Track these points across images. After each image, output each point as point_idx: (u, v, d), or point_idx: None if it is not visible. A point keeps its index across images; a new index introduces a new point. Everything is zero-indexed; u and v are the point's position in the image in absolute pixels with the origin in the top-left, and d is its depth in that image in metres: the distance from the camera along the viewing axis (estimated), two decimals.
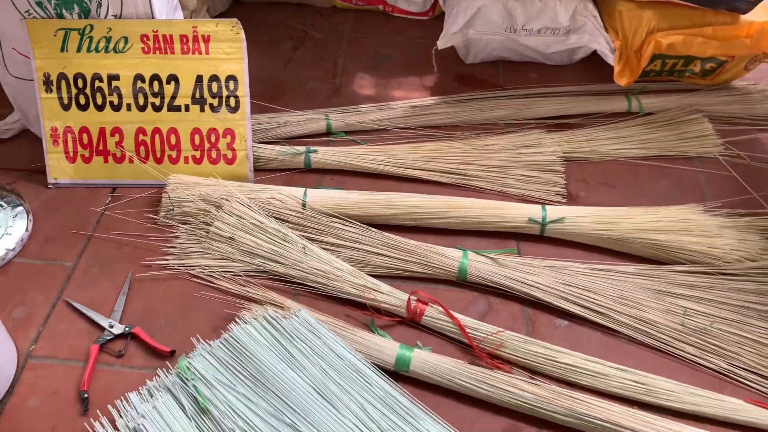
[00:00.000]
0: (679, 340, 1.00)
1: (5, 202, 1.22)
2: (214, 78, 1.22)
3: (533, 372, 0.97)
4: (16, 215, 1.20)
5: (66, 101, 1.22)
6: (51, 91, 1.22)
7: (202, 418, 0.89)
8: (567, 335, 1.03)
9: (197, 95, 1.23)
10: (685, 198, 1.24)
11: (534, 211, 1.15)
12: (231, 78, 1.22)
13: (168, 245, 1.15)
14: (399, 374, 0.96)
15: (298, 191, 1.19)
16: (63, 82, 1.21)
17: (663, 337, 1.00)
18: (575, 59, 1.54)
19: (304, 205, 1.17)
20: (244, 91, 1.22)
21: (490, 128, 1.38)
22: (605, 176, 1.29)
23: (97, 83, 1.21)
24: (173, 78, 1.22)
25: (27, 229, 1.17)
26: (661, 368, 0.98)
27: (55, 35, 1.19)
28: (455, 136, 1.36)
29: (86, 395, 0.95)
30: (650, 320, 1.02)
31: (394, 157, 1.29)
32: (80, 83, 1.21)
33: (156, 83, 1.22)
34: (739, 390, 0.96)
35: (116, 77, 1.22)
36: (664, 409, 0.92)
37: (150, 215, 1.21)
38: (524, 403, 0.91)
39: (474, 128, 1.38)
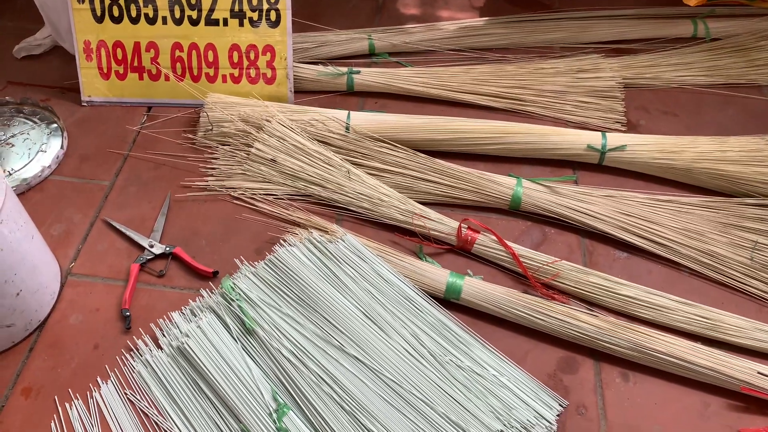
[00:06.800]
0: (748, 275, 0.94)
1: (39, 119, 1.19)
2: None
3: (591, 304, 0.93)
4: (50, 132, 1.16)
5: (99, 13, 1.16)
6: (83, 1, 1.15)
7: (247, 339, 0.87)
8: (626, 267, 0.97)
9: (236, 8, 1.16)
10: (753, 128, 1.15)
11: (593, 138, 1.08)
12: None
13: (207, 166, 1.11)
14: (449, 302, 0.93)
15: (341, 114, 1.13)
16: None
17: (729, 271, 0.95)
18: None
19: (347, 128, 1.12)
20: (285, 3, 1.15)
21: (545, 52, 1.29)
22: (667, 104, 1.21)
23: None
24: None
25: (62, 147, 1.14)
26: (728, 303, 0.93)
27: None
28: (507, 59, 1.27)
29: (128, 313, 0.93)
30: (716, 254, 0.96)
31: (441, 80, 1.22)
32: None
33: None
34: None
35: None
36: (731, 345, 0.88)
37: (188, 135, 1.16)
38: (582, 334, 0.87)
39: (527, 51, 1.30)
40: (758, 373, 0.82)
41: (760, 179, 1.03)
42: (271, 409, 0.80)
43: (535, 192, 1.03)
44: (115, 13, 1.17)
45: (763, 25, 1.30)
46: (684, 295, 0.92)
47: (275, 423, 0.79)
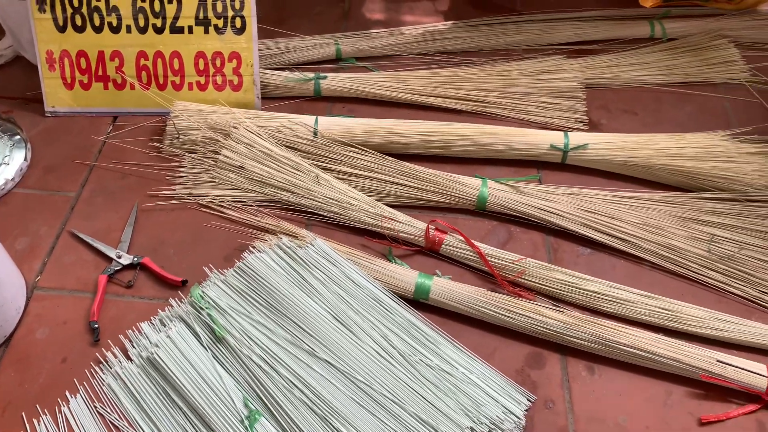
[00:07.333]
0: (706, 267, 0.98)
1: (1, 131, 1.17)
2: None
3: (556, 300, 0.95)
4: (13, 144, 1.15)
5: (61, 22, 1.15)
6: (44, 11, 1.14)
7: (218, 347, 0.87)
8: (590, 263, 1.00)
9: (201, 15, 1.16)
10: (709, 125, 1.19)
11: (556, 137, 1.11)
12: None
13: (175, 175, 1.11)
14: (418, 302, 0.94)
15: (308, 119, 1.14)
16: (57, 1, 1.14)
17: (689, 264, 0.98)
18: None
19: (315, 133, 1.12)
20: (250, 10, 1.15)
21: (508, 54, 1.32)
22: (627, 103, 1.24)
23: (93, 2, 1.14)
24: None
25: (26, 159, 1.12)
26: (687, 295, 0.96)
27: None
28: (472, 62, 1.29)
29: (96, 325, 0.92)
30: (676, 247, 0.99)
31: (408, 84, 1.23)
32: (75, 2, 1.14)
33: (157, 2, 1.15)
34: (766, 316, 0.94)
35: None
36: (691, 335, 0.90)
37: (154, 144, 1.16)
38: (548, 329, 0.89)
39: (491, 54, 1.32)
40: (717, 361, 0.85)
41: (716, 174, 1.06)
42: (242, 416, 0.80)
43: (500, 192, 1.05)
44: (78, 22, 1.16)
45: (717, 24, 1.34)
46: (646, 289, 0.94)
47: (247, 430, 0.79)
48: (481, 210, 1.06)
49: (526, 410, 0.82)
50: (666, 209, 1.04)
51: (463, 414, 0.80)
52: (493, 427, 0.79)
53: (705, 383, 0.85)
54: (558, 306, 0.93)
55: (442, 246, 1.00)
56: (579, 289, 0.94)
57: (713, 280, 0.97)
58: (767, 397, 0.83)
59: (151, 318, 0.92)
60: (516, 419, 0.81)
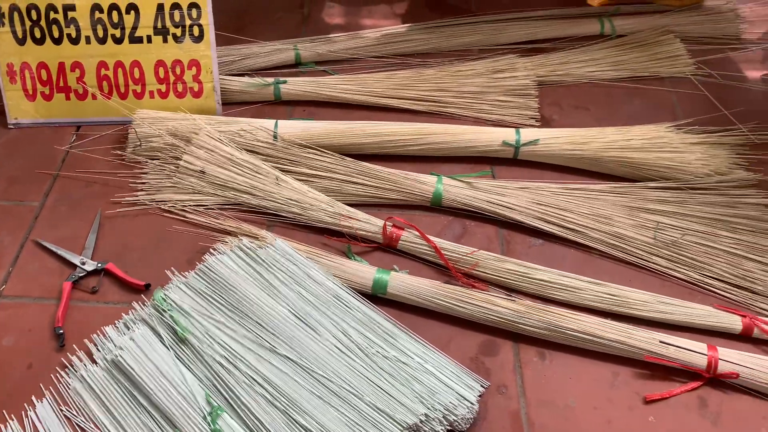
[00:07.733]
0: (651, 253, 1.02)
1: None
2: (175, 6, 1.17)
3: (509, 289, 0.98)
4: None
5: (20, 35, 1.17)
6: (3, 24, 1.16)
7: (180, 348, 0.89)
8: (542, 254, 1.04)
9: (159, 25, 1.18)
10: (657, 118, 1.23)
11: (508, 134, 1.15)
12: (193, 5, 1.17)
13: (137, 181, 1.13)
14: (377, 297, 0.97)
15: (269, 123, 1.17)
16: (15, 14, 1.16)
17: (635, 251, 1.02)
18: None
19: (275, 137, 1.15)
20: (207, 19, 1.18)
21: (463, 54, 1.36)
22: (578, 99, 1.29)
23: (52, 14, 1.16)
24: (133, 7, 1.17)
25: None
26: (634, 281, 1.00)
27: None
28: (428, 63, 1.33)
29: (61, 331, 0.94)
30: (623, 235, 1.03)
31: (366, 86, 1.27)
32: (34, 15, 1.16)
33: (115, 13, 1.17)
34: (708, 298, 0.98)
35: (72, 8, 1.16)
36: (637, 318, 0.94)
37: (117, 152, 1.17)
38: (500, 318, 0.92)
39: (446, 55, 1.36)
40: (660, 341, 0.89)
41: (661, 164, 1.11)
42: (205, 412, 0.82)
43: (454, 188, 1.08)
44: (37, 34, 1.17)
45: (663, 21, 1.40)
46: (594, 276, 0.98)
47: (210, 425, 0.81)
48: (436, 206, 1.09)
49: (480, 396, 0.85)
50: (614, 199, 1.08)
51: (418, 402, 0.83)
52: (447, 413, 0.82)
53: (650, 364, 0.89)
54: (510, 295, 0.96)
55: (400, 242, 1.03)
56: (530, 278, 0.97)
57: (658, 265, 1.01)
58: (708, 374, 0.87)
59: (116, 322, 0.94)
60: (469, 404, 0.84)
